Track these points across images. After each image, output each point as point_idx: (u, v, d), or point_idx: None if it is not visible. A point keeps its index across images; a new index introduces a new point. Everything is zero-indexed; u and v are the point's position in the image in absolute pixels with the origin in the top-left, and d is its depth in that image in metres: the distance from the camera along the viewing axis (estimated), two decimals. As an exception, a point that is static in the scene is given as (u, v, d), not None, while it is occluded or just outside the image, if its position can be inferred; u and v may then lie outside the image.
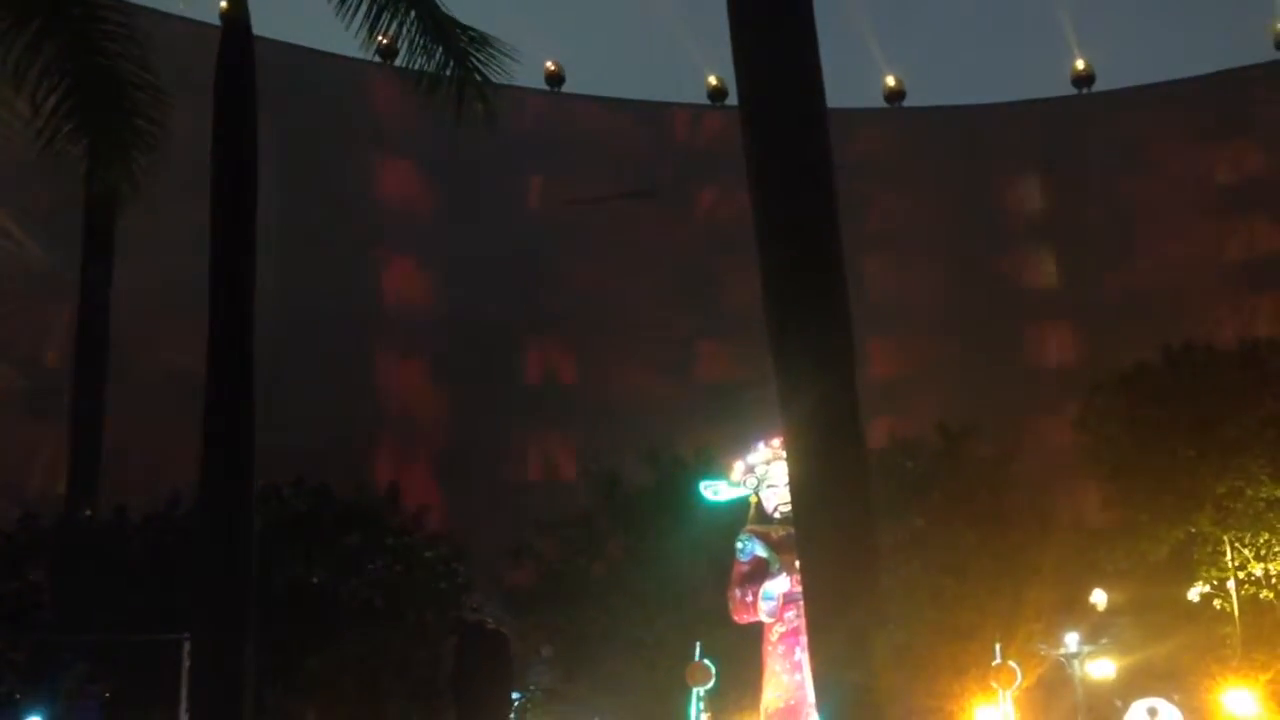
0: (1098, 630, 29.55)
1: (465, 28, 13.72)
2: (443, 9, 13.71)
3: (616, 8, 52.39)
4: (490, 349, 47.66)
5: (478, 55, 13.60)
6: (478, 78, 13.60)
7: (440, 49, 13.56)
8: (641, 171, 50.00)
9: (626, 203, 49.38)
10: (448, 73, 13.52)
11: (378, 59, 15.79)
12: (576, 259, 49.02)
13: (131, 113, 12.48)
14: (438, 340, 47.69)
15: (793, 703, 14.30)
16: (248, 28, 13.36)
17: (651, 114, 51.30)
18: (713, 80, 49.07)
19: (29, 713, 25.29)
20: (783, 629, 14.63)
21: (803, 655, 13.73)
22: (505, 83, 14.01)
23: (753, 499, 15.49)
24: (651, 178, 49.95)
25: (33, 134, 12.19)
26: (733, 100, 12.94)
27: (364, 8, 13.50)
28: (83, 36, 12.25)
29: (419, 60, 13.58)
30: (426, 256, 48.51)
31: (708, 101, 49.85)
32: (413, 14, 13.51)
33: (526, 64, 14.39)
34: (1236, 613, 28.96)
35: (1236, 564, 29.06)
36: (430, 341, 47.68)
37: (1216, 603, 29.63)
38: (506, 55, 13.74)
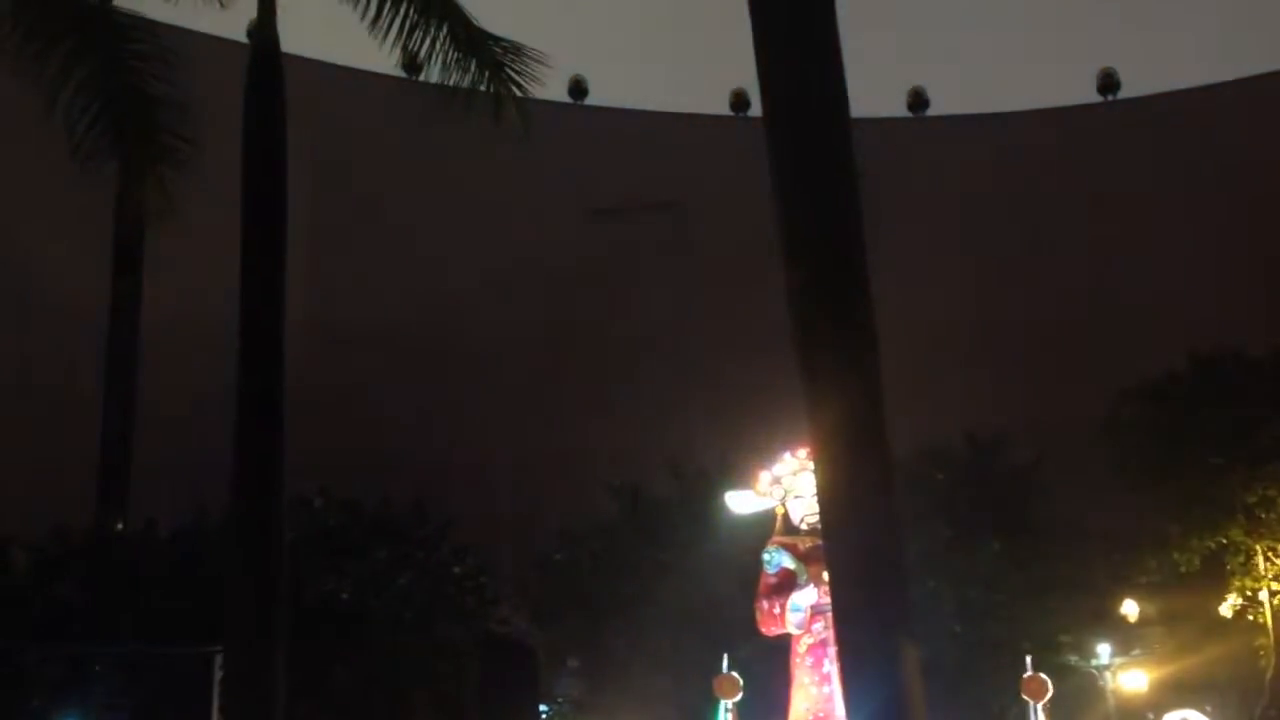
0: (1129, 641, 29.34)
1: (498, 39, 13.77)
2: (475, 22, 13.78)
3: (637, 19, 52.56)
4: (511, 359, 47.84)
5: (512, 66, 13.64)
6: (514, 89, 13.62)
7: (474, 62, 13.60)
8: (663, 183, 50.07)
9: (648, 214, 49.44)
10: (483, 86, 13.56)
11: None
12: (598, 269, 49.12)
13: (163, 130, 12.62)
14: (450, 350, 47.88)
15: (821, 715, 14.23)
16: (276, 45, 13.48)
17: (673, 125, 51.39)
18: (736, 90, 49.11)
19: (61, 725, 25.50)
20: (811, 641, 14.57)
21: (831, 667, 13.68)
22: (535, 95, 14.06)
23: (779, 510, 15.43)
24: (673, 189, 50.02)
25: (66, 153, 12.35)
26: (755, 111, 12.95)
27: (396, 25, 13.59)
28: (113, 56, 12.41)
29: (452, 75, 13.63)
30: (443, 269, 48.72)
31: (730, 112, 49.88)
32: (445, 29, 13.59)
33: (550, 78, 14.42)
34: (1270, 624, 28.67)
35: (1270, 574, 28.78)
36: (447, 351, 47.87)
37: (1249, 614, 29.34)
38: (540, 63, 13.77)
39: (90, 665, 26.78)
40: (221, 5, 14.06)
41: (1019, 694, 17.84)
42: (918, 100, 50.20)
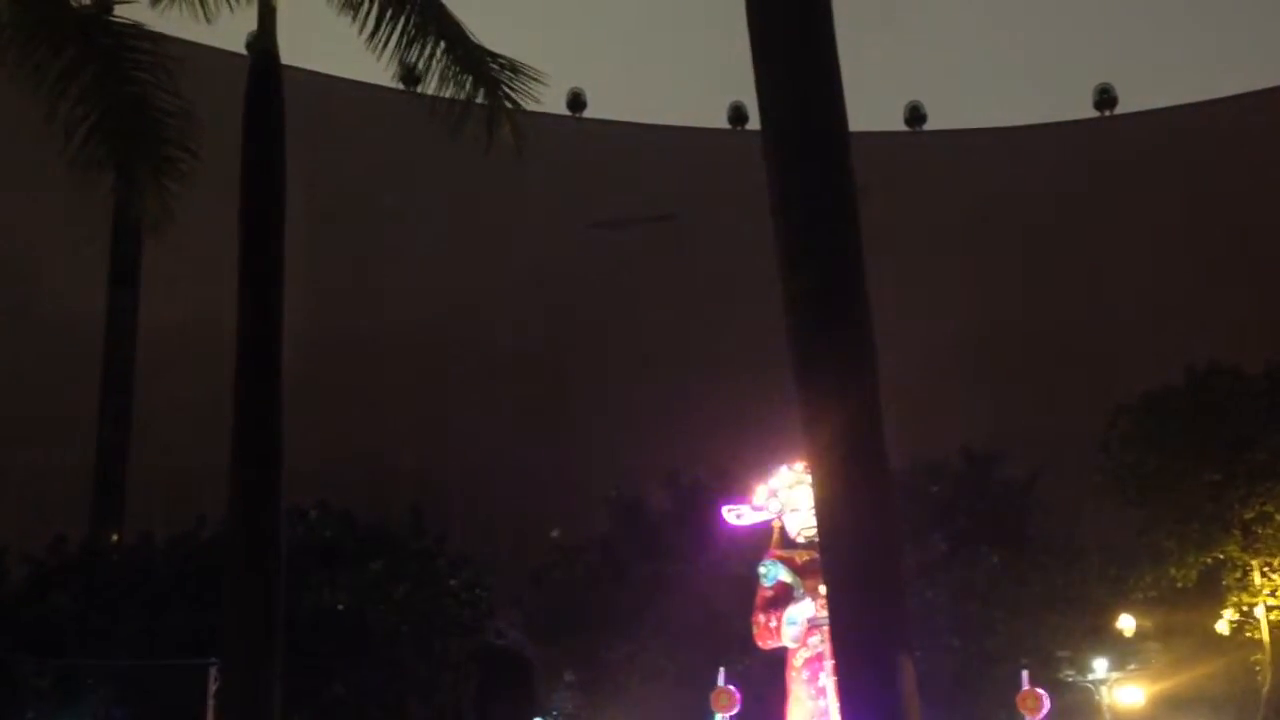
0: (1125, 656, 29.29)
1: (495, 55, 13.77)
2: (472, 38, 13.78)
3: (637, 32, 52.70)
4: (509, 371, 47.82)
5: (509, 83, 13.65)
6: (509, 105, 13.62)
7: (470, 78, 13.61)
8: (661, 196, 50.17)
9: (646, 226, 49.54)
10: (479, 101, 13.55)
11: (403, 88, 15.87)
12: (595, 282, 49.17)
13: (163, 140, 12.57)
14: (452, 362, 47.86)
15: (817, 728, 14.20)
16: (276, 57, 13.48)
17: (672, 138, 51.49)
18: (734, 104, 49.22)
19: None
20: (807, 654, 14.54)
21: (827, 680, 13.66)
22: (532, 108, 14.05)
23: (776, 523, 15.39)
24: (671, 202, 50.12)
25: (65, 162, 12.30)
26: (754, 124, 12.97)
27: (394, 39, 13.59)
28: (114, 65, 12.36)
29: (448, 89, 13.62)
30: (442, 282, 48.75)
31: (728, 125, 49.98)
32: (442, 44, 13.59)
33: (548, 89, 14.41)
34: (1266, 639, 28.62)
35: (1266, 590, 28.74)
36: (446, 364, 47.86)
37: (1246, 630, 29.29)
38: (537, 80, 13.77)
39: (85, 677, 26.69)
40: (208, 21, 14.02)
41: (1015, 708, 17.82)
42: (915, 115, 50.31)
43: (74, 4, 12.91)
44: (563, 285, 48.83)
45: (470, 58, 13.68)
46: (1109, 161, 49.35)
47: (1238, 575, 28.87)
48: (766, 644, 14.94)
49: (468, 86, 13.65)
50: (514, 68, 13.73)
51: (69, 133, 12.32)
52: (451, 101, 13.69)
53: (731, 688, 16.85)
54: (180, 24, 13.95)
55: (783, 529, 15.25)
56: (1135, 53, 51.52)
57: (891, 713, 9.17)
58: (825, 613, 10.43)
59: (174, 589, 27.46)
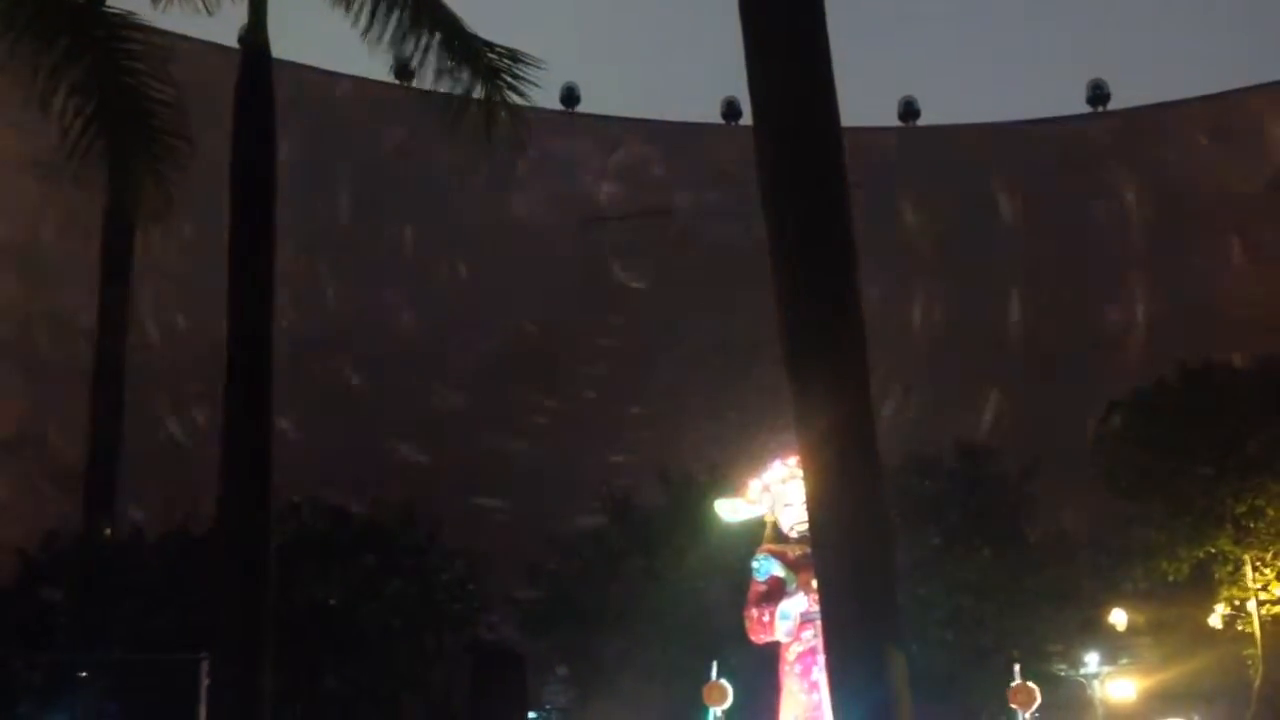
0: (1117, 651, 29.37)
1: (492, 45, 13.69)
2: (468, 29, 13.70)
3: (630, 26, 52.71)
4: (502, 365, 47.83)
5: (507, 73, 13.58)
6: (510, 96, 13.55)
7: (467, 70, 13.54)
8: (654, 191, 50.17)
9: (641, 221, 49.54)
10: (476, 94, 13.49)
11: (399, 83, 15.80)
12: (590, 276, 49.17)
13: (158, 131, 12.55)
14: (442, 356, 47.87)
15: (810, 722, 14.22)
16: (267, 51, 13.45)
17: (665, 133, 51.47)
18: (727, 98, 49.19)
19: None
20: (800, 648, 14.56)
21: (820, 675, 13.67)
22: (525, 103, 14.00)
23: (769, 518, 15.42)
24: (666, 197, 50.12)
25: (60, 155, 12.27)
26: (747, 119, 12.98)
27: (389, 33, 13.54)
28: (108, 56, 12.34)
29: (445, 83, 13.55)
30: (438, 278, 48.72)
31: (721, 120, 49.95)
32: (438, 36, 13.53)
33: (542, 86, 14.36)
34: (1258, 634, 28.72)
35: (1258, 584, 28.82)
36: (441, 359, 47.86)
37: (1238, 624, 29.38)
38: (536, 66, 13.69)
39: (77, 671, 26.67)
40: (209, 12, 14.00)
41: (1007, 703, 17.87)
42: (909, 110, 50.29)
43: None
44: (555, 280, 48.79)
45: (467, 49, 13.63)
46: (1104, 158, 49.40)
47: (1230, 569, 28.95)
48: (760, 638, 14.95)
49: (465, 78, 13.60)
50: (513, 56, 13.67)
51: (64, 125, 12.30)
52: (449, 95, 13.64)
53: (724, 682, 16.88)
54: (180, 18, 13.92)
55: (776, 524, 15.27)
56: (1130, 49, 51.62)
57: (882, 707, 9.20)
58: (818, 607, 10.44)
59: (165, 584, 27.44)
